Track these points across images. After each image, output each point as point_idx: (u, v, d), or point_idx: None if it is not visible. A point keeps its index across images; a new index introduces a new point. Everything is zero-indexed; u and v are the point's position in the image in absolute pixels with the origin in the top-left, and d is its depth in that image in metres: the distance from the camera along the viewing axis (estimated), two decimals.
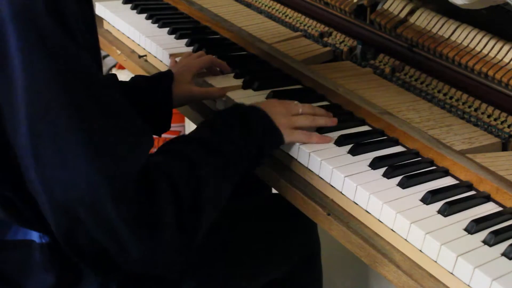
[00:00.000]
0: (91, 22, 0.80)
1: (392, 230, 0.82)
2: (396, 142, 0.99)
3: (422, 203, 0.84)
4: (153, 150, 0.82)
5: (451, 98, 1.14)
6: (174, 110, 1.12)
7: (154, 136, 1.02)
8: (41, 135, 0.68)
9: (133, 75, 1.18)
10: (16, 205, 0.79)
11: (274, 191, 1.05)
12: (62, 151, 0.68)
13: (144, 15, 1.46)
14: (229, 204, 1.08)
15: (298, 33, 1.41)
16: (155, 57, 1.32)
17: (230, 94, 1.10)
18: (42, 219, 0.74)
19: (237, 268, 1.03)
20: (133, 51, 1.39)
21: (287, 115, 0.95)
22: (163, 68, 1.28)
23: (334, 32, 1.38)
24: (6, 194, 0.77)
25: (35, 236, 0.82)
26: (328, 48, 1.33)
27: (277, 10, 1.52)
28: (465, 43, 1.14)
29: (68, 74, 0.68)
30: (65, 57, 0.68)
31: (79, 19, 0.71)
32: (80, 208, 0.69)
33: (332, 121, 1.00)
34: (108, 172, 0.69)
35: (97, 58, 0.79)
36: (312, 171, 0.93)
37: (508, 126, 1.05)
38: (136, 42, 1.38)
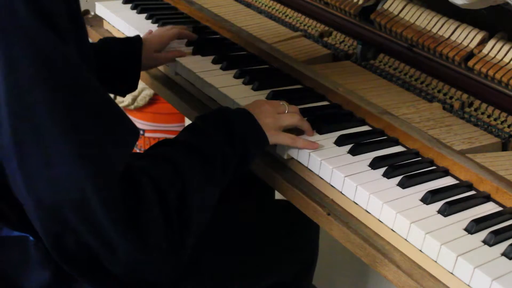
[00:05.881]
0: (78, 17, 0.77)
1: (392, 230, 0.82)
2: (396, 142, 0.99)
3: (422, 203, 0.84)
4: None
5: (451, 98, 1.14)
6: (174, 110, 1.13)
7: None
8: (24, 134, 0.66)
9: None
10: (3, 211, 0.77)
11: (277, 193, 1.05)
12: (46, 150, 0.66)
13: (144, 15, 1.46)
14: (233, 206, 1.09)
15: (298, 33, 1.41)
16: None
17: (181, 60, 1.21)
18: (31, 224, 0.72)
19: (239, 271, 1.03)
20: None
21: (273, 114, 0.95)
22: (163, 67, 1.29)
23: (334, 32, 1.38)
24: None
25: None
26: (328, 49, 1.33)
27: (277, 10, 1.52)
28: (465, 43, 1.14)
29: (51, 73, 0.67)
30: (48, 55, 0.67)
31: (65, 16, 0.70)
32: (67, 209, 0.68)
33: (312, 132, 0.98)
34: (93, 169, 0.67)
35: (86, 54, 0.77)
36: (312, 171, 0.93)
37: (508, 126, 1.05)
38: None
